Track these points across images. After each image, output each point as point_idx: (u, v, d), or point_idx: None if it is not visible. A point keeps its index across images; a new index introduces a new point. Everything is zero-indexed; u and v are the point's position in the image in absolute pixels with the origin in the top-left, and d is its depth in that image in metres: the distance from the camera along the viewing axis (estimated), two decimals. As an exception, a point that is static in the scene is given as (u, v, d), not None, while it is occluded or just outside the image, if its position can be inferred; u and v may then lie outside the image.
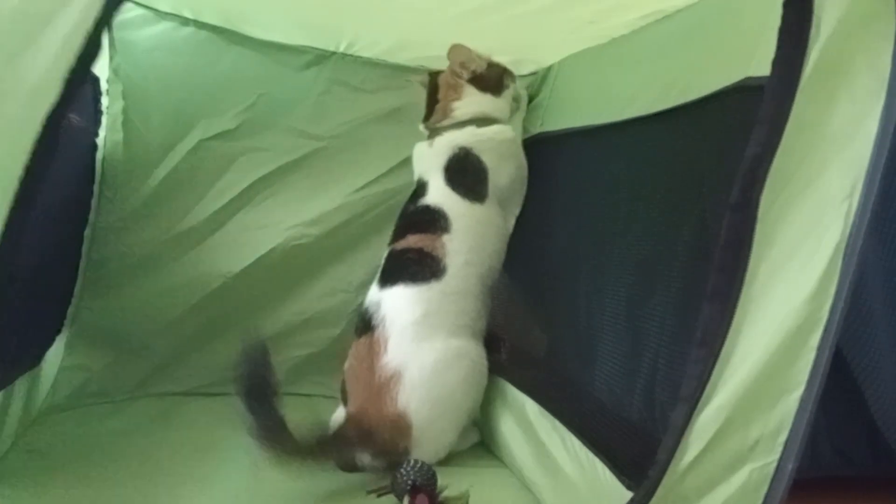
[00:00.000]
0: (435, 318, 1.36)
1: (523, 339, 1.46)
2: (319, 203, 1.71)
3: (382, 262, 1.48)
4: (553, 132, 1.53)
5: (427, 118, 1.60)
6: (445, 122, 1.55)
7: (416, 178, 1.57)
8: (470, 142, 1.50)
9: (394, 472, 1.19)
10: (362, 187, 1.72)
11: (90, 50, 0.79)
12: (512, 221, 1.56)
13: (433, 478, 1.19)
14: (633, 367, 1.07)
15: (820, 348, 0.83)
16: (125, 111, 1.57)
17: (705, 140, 0.99)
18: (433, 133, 1.56)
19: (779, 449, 0.86)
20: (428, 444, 1.32)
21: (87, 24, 0.80)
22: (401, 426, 1.30)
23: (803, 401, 0.85)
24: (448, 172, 1.49)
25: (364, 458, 1.29)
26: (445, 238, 1.42)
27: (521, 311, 1.48)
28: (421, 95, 1.64)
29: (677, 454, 0.89)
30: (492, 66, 1.58)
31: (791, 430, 0.85)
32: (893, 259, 1.21)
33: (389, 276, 1.42)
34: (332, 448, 1.26)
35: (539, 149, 1.57)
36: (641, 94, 1.17)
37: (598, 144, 1.33)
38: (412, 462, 1.19)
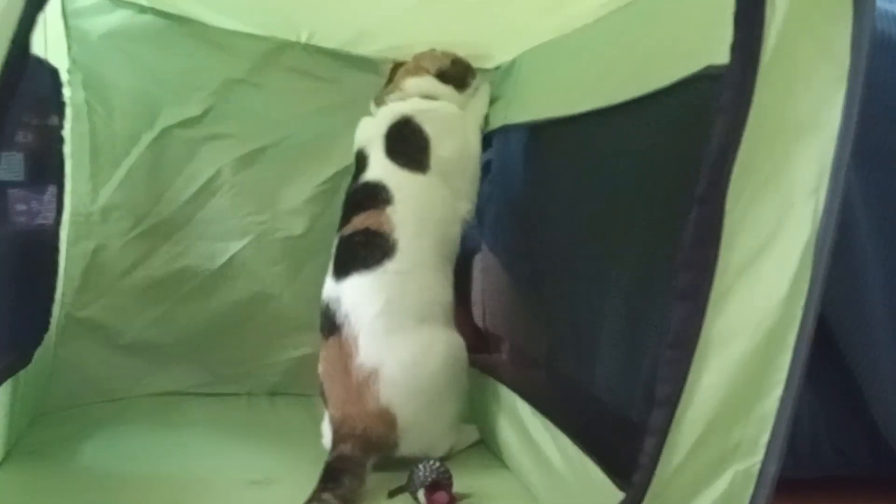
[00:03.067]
0: (399, 302, 1.34)
1: (519, 339, 1.45)
2: (290, 193, 1.70)
3: (333, 251, 1.44)
4: (516, 125, 1.50)
5: (376, 98, 1.58)
6: (393, 95, 1.53)
7: (355, 150, 1.52)
8: (412, 111, 1.47)
9: (410, 471, 1.19)
10: (331, 177, 1.71)
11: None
12: (465, 207, 1.50)
13: (450, 477, 1.19)
14: (622, 366, 1.05)
15: (797, 347, 0.81)
16: (87, 101, 1.55)
17: (668, 130, 0.96)
18: (379, 101, 1.54)
19: (761, 450, 0.84)
20: (418, 434, 1.31)
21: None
22: (387, 420, 1.29)
23: (783, 400, 0.82)
24: (388, 140, 1.45)
25: (352, 450, 1.26)
26: (389, 210, 1.38)
27: (508, 309, 1.47)
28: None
29: (662, 459, 0.87)
30: (456, 62, 1.56)
31: (773, 431, 0.83)
32: (893, 259, 1.18)
33: (342, 265, 1.39)
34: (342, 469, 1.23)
35: (503, 141, 1.55)
36: (602, 85, 1.14)
37: (562, 136, 1.31)
38: (430, 461, 1.20)
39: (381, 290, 1.33)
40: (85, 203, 1.58)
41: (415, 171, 1.43)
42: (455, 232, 1.47)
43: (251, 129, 1.67)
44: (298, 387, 1.72)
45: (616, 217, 1.11)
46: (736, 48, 0.77)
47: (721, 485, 0.85)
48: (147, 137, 1.60)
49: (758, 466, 0.84)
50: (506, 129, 1.55)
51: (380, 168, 1.44)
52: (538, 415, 1.23)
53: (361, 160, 1.48)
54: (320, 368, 1.39)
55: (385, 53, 1.66)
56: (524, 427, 1.28)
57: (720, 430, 0.85)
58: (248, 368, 1.74)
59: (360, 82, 1.69)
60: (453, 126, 1.51)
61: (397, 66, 1.59)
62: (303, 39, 1.65)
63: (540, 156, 1.44)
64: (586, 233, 1.18)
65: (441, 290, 1.41)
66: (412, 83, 1.52)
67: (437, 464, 1.20)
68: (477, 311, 1.56)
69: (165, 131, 1.61)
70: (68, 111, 1.52)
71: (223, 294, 1.69)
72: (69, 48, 1.52)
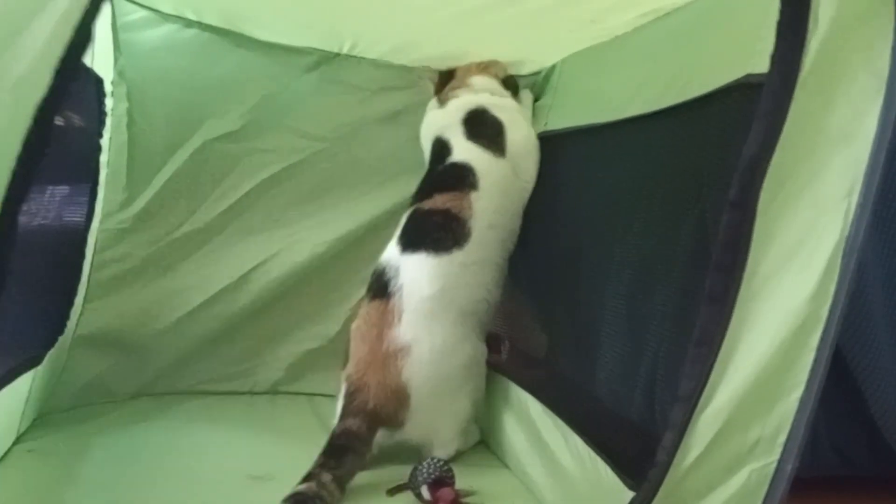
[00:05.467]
0: (451, 292, 1.36)
1: (527, 338, 1.46)
2: (324, 208, 1.71)
3: (404, 220, 1.46)
4: (557, 131, 1.53)
5: (436, 91, 1.62)
6: (461, 91, 1.57)
7: (429, 143, 1.56)
8: (485, 103, 1.53)
9: (413, 468, 1.20)
10: (366, 194, 1.72)
11: (80, 40, 0.78)
12: (527, 194, 1.54)
13: (453, 475, 1.20)
14: (636, 366, 1.06)
15: (819, 348, 0.83)
16: (129, 112, 1.57)
17: (706, 137, 0.98)
18: (445, 99, 1.58)
19: (778, 450, 0.85)
20: (426, 419, 1.33)
21: (76, 13, 0.78)
22: (401, 397, 1.31)
23: (803, 401, 0.84)
24: (467, 126, 1.51)
25: (359, 426, 1.28)
26: (473, 196, 1.42)
27: (524, 309, 1.48)
28: (428, 93, 1.66)
29: (678, 455, 0.89)
30: (510, 76, 1.64)
31: (790, 431, 0.85)
32: (893, 259, 1.21)
33: (412, 239, 1.41)
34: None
35: (543, 148, 1.57)
36: (642, 92, 1.17)
37: (600, 143, 1.33)
38: (433, 459, 1.21)
39: (441, 277, 1.36)
40: (116, 212, 1.58)
41: (497, 154, 1.48)
42: (519, 227, 1.51)
43: (290, 144, 1.69)
44: (301, 385, 1.73)
45: (651, 223, 1.12)
46: (776, 58, 0.79)
47: (736, 483, 0.87)
48: (187, 149, 1.62)
49: (773, 465, 0.86)
50: (545, 136, 1.57)
51: (464, 150, 1.48)
52: (550, 413, 1.24)
53: (441, 147, 1.51)
54: (354, 325, 1.40)
55: (424, 62, 1.68)
56: (534, 425, 1.29)
57: (738, 428, 0.86)
58: (251, 366, 1.74)
59: (401, 94, 1.71)
60: (520, 117, 1.58)
61: (445, 73, 1.63)
62: (345, 50, 1.67)
63: (566, 161, 1.47)
64: (618, 236, 1.19)
65: (494, 288, 1.45)
66: (480, 81, 1.58)
67: (440, 461, 1.20)
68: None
69: (206, 144, 1.63)
70: (109, 121, 1.53)
71: (238, 301, 1.69)
72: (116, 60, 1.54)
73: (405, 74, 1.71)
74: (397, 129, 1.69)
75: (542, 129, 1.59)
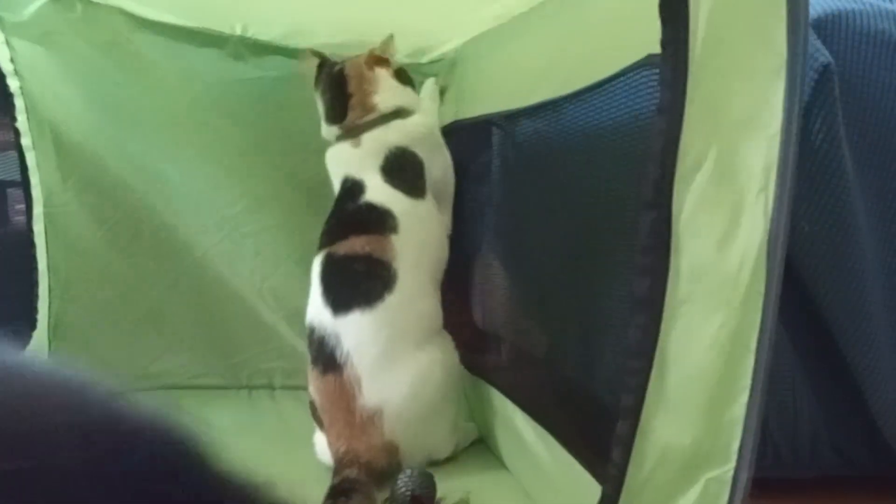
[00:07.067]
0: (398, 336, 1.30)
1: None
2: (260, 184, 1.68)
3: (319, 268, 1.36)
4: (468, 120, 1.46)
5: (337, 118, 1.45)
6: (368, 118, 1.42)
7: (339, 179, 1.44)
8: (403, 140, 1.40)
9: (392, 482, 1.17)
10: (291, 170, 1.68)
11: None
12: (448, 216, 1.47)
13: (432, 486, 1.17)
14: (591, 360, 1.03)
15: (759, 350, 0.76)
16: (41, 90, 1.53)
17: (617, 120, 0.92)
18: (354, 131, 1.43)
19: (733, 457, 0.80)
20: (420, 452, 1.30)
21: None
22: (391, 451, 1.27)
23: (750, 406, 0.78)
24: (386, 173, 1.38)
25: (357, 474, 1.25)
26: (394, 238, 1.33)
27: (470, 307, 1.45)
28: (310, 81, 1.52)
29: (630, 469, 0.84)
30: (401, 69, 1.49)
31: (742, 437, 0.79)
32: (894, 259, 1.14)
33: (341, 298, 1.32)
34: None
35: (456, 138, 1.49)
36: (549, 76, 1.09)
37: (514, 131, 1.27)
38: (409, 471, 1.17)
39: (383, 328, 1.29)
40: (57, 192, 1.55)
41: (416, 197, 1.38)
42: (446, 253, 1.44)
43: (198, 123, 1.63)
44: (298, 379, 1.69)
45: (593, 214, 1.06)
46: (665, 41, 0.71)
47: (694, 493, 0.82)
48: (105, 126, 1.58)
49: (730, 473, 0.80)
50: (457, 126, 1.50)
51: (382, 194, 1.37)
52: (528, 418, 1.22)
53: (353, 185, 1.40)
54: (315, 399, 1.34)
55: (318, 48, 1.55)
56: (517, 430, 1.26)
57: (688, 438, 0.81)
58: (245, 357, 1.75)
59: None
60: (437, 141, 1.47)
61: (329, 66, 1.48)
62: (237, 32, 1.60)
63: (474, 151, 1.41)
64: (560, 231, 1.14)
65: (434, 312, 1.38)
66: (384, 102, 1.42)
67: (417, 473, 1.17)
68: (476, 311, 1.53)
69: (120, 123, 1.59)
70: (20, 102, 1.49)
71: (209, 282, 1.68)
72: (6, 39, 1.50)
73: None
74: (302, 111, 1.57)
75: (451, 118, 1.51)
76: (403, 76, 1.48)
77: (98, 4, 1.53)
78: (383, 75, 1.44)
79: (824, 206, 1.11)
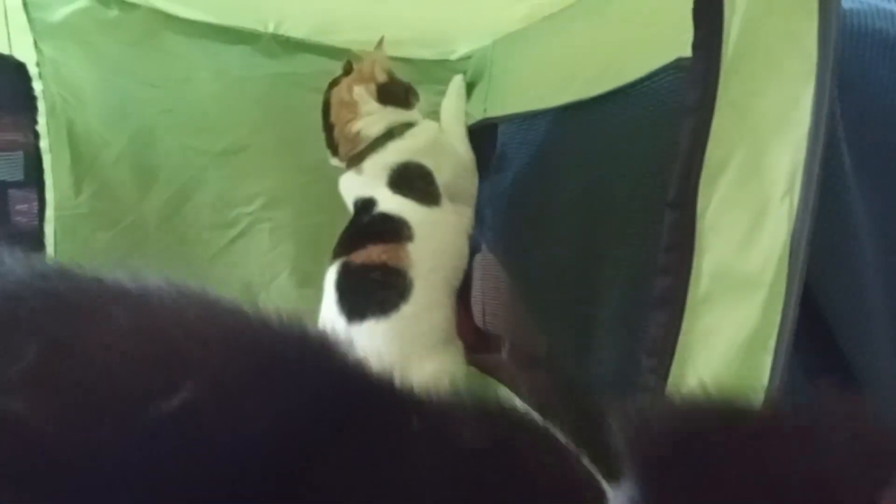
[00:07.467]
0: (410, 344, 1.30)
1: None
2: (272, 183, 1.67)
3: (335, 276, 1.37)
4: (496, 118, 1.46)
5: (334, 151, 1.46)
6: (360, 148, 1.41)
7: (351, 202, 1.45)
8: (403, 157, 1.39)
9: None
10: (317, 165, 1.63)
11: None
12: (469, 214, 1.47)
13: None
14: (621, 365, 1.02)
15: (777, 351, 0.77)
16: (60, 94, 1.53)
17: (643, 123, 0.92)
18: (353, 161, 1.43)
19: (749, 457, 0.81)
20: None
21: None
22: None
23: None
24: (394, 186, 1.38)
25: None
26: (410, 247, 1.33)
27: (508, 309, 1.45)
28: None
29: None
30: (395, 80, 1.46)
31: (758, 437, 0.80)
32: (894, 259, 1.13)
33: (355, 306, 1.32)
34: None
35: (485, 135, 1.50)
36: (577, 77, 1.10)
37: (542, 130, 1.27)
38: None
39: (396, 338, 1.29)
40: (69, 196, 1.56)
41: (430, 204, 1.38)
42: (464, 260, 1.43)
43: (225, 122, 1.63)
44: None
45: (609, 214, 1.06)
46: (697, 44, 0.72)
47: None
48: (125, 129, 1.58)
49: (744, 473, 0.81)
50: (486, 124, 1.51)
51: (395, 204, 1.37)
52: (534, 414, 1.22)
53: (365, 203, 1.40)
54: None
55: (349, 45, 1.57)
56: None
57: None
58: None
59: (329, 74, 1.58)
60: (442, 145, 1.46)
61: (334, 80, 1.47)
62: (270, 29, 1.61)
63: (530, 150, 1.40)
64: (580, 231, 1.14)
65: (447, 321, 1.38)
66: (365, 129, 1.40)
67: None
68: (477, 311, 1.54)
69: (144, 123, 1.58)
70: (42, 105, 1.50)
71: (219, 283, 1.68)
72: (35, 42, 1.50)
73: (332, 55, 1.60)
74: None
75: (480, 115, 1.51)
76: (392, 89, 1.44)
77: (134, 4, 1.55)
78: (363, 98, 1.41)
79: (823, 206, 1.11)
